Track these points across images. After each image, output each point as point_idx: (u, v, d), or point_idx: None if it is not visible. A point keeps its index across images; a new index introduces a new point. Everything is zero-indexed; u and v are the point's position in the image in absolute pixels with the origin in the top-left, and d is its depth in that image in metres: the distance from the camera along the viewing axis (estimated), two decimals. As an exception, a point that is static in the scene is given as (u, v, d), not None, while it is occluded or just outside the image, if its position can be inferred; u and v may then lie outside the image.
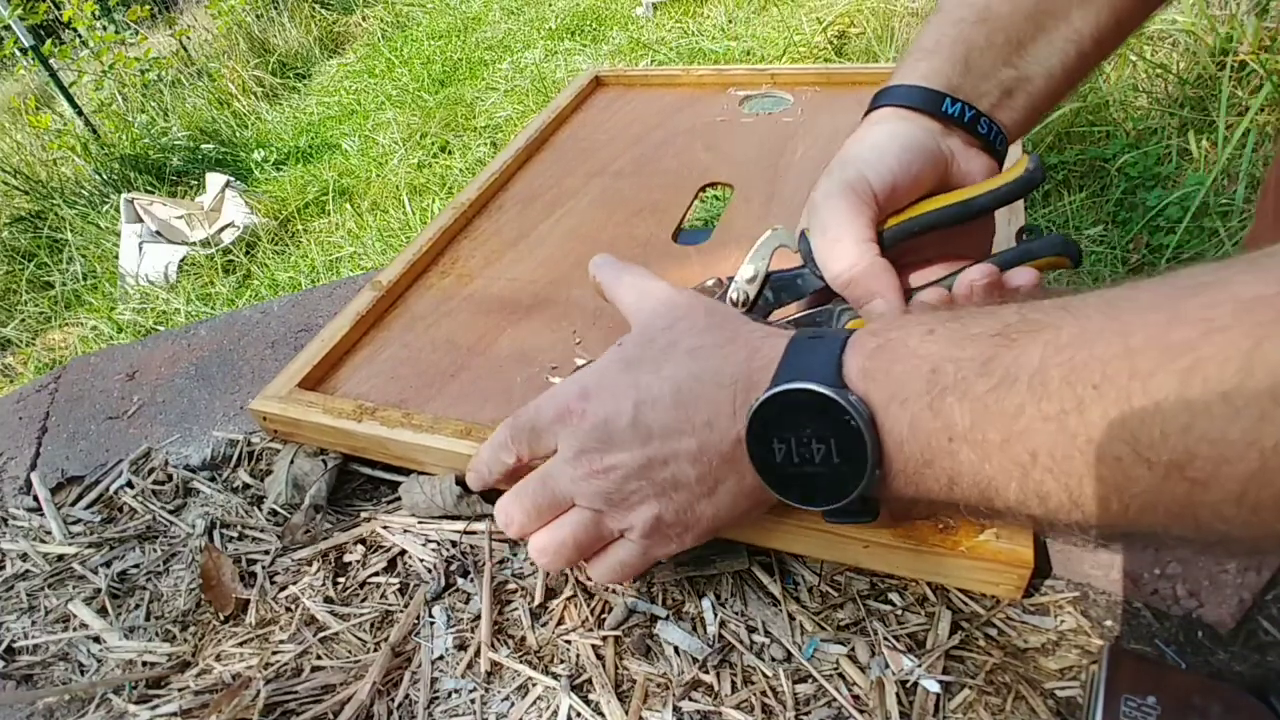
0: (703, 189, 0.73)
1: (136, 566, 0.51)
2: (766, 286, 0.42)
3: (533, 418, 0.39)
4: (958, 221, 0.41)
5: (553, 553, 0.39)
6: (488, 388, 0.54)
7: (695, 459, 0.34)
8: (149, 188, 2.68)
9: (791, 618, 0.41)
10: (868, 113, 0.45)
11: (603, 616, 0.42)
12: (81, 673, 0.45)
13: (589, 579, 0.45)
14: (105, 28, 3.55)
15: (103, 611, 0.48)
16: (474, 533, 0.48)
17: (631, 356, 0.37)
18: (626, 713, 0.38)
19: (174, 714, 0.41)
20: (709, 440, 0.34)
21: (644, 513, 0.36)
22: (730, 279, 0.43)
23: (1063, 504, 0.26)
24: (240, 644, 0.45)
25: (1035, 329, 0.26)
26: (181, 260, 2.18)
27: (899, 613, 0.41)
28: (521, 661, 0.41)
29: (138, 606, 0.48)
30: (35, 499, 0.57)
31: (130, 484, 0.56)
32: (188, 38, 3.85)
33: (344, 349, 0.59)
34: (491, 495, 0.50)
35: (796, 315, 0.43)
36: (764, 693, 0.38)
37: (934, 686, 0.37)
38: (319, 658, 0.43)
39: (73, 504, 0.56)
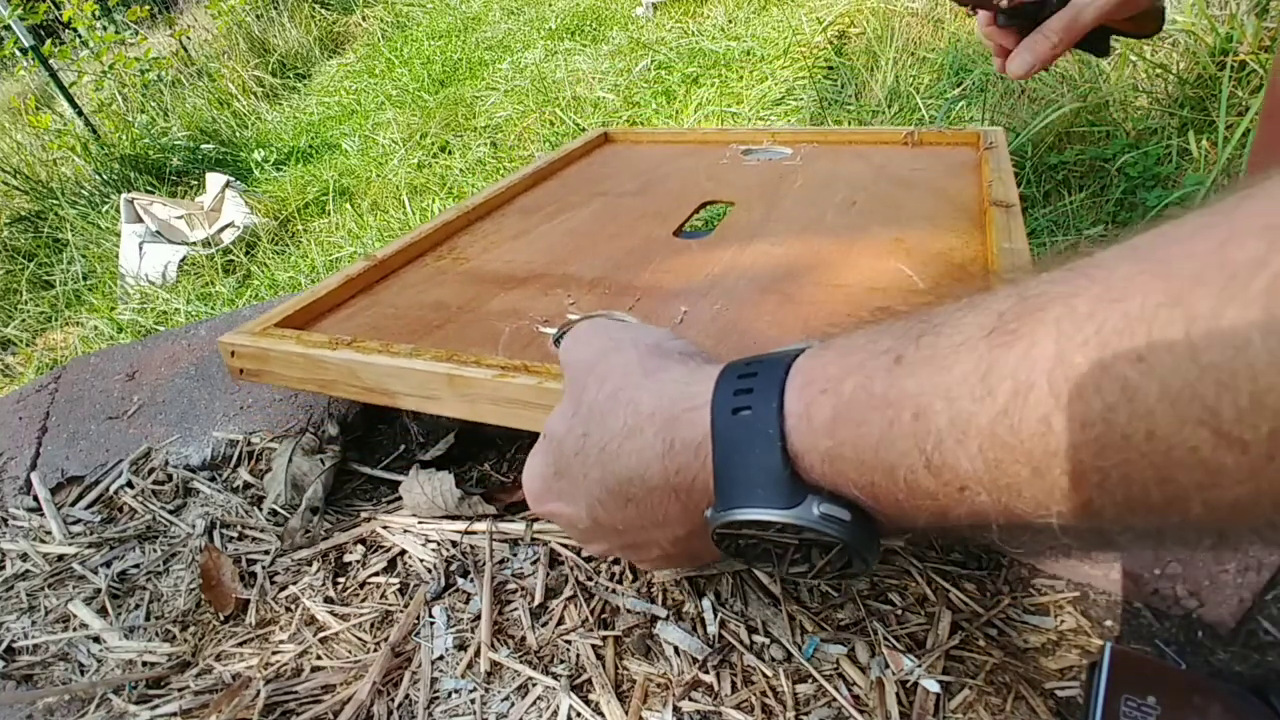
0: (704, 205, 0.74)
1: (136, 566, 0.51)
2: None
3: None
4: None
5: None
6: (472, 336, 0.52)
7: (673, 541, 0.34)
8: (149, 188, 2.68)
9: (791, 618, 0.41)
10: None
11: (603, 616, 0.42)
12: (81, 673, 0.45)
13: (589, 580, 0.45)
14: (105, 28, 3.55)
15: (103, 611, 0.48)
16: (474, 533, 0.48)
17: (560, 461, 0.34)
18: (626, 713, 0.38)
19: (174, 714, 0.41)
20: (675, 533, 0.33)
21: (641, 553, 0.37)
22: None
23: (1118, 518, 0.20)
24: (240, 644, 0.45)
25: (1039, 308, 0.20)
26: (181, 260, 2.17)
27: (899, 613, 0.41)
28: (521, 661, 0.41)
29: (138, 606, 0.48)
30: (35, 499, 0.57)
31: (130, 484, 0.56)
32: (188, 38, 3.85)
33: (329, 304, 0.57)
34: (492, 497, 0.50)
35: None
36: (764, 693, 0.38)
37: (934, 686, 0.37)
38: (319, 658, 0.43)
39: (73, 504, 0.56)
